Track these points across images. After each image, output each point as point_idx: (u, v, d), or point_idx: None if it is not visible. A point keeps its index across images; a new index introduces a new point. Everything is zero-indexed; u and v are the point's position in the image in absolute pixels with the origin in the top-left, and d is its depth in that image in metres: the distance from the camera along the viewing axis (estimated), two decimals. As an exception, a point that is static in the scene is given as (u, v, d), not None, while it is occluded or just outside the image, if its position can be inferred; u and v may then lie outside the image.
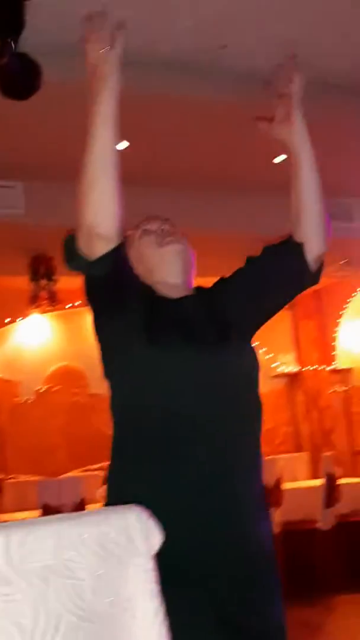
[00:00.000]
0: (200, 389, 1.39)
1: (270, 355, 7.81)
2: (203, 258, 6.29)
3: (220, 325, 1.48)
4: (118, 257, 1.40)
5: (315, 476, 6.71)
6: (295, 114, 1.57)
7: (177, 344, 1.41)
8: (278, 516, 5.27)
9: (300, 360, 7.99)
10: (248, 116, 4.01)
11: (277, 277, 1.59)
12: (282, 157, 4.48)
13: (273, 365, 7.83)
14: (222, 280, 1.66)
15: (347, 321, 7.82)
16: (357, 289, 7.56)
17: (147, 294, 1.50)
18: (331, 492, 5.34)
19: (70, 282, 6.95)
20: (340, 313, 7.84)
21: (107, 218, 1.35)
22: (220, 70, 3.69)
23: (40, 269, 5.59)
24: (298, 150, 1.57)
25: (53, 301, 5.71)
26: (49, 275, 5.60)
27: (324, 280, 7.69)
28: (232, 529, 1.36)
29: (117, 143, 1.41)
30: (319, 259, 1.59)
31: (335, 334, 7.92)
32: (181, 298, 1.52)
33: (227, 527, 1.36)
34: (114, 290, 1.44)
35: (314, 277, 1.61)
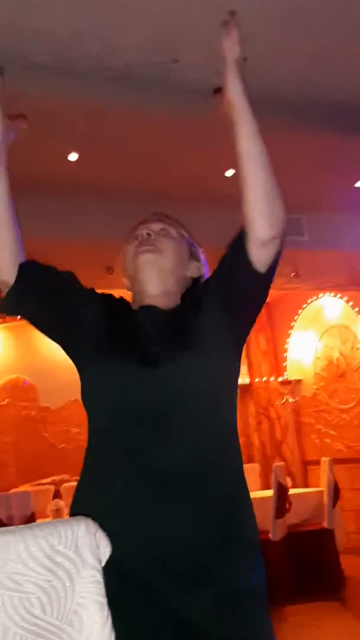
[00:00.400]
0: (121, 408, 1.36)
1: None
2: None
3: (169, 340, 1.37)
4: (25, 288, 1.41)
5: (266, 487, 6.76)
6: (229, 77, 1.36)
7: (104, 362, 1.38)
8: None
9: (251, 372, 8.07)
10: (199, 130, 4.07)
11: (227, 281, 1.41)
12: (232, 171, 4.55)
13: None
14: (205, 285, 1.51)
15: (297, 333, 7.94)
16: (307, 301, 7.70)
17: (102, 306, 1.48)
18: (282, 502, 5.39)
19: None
20: (291, 325, 7.95)
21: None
22: (171, 84, 3.73)
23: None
24: (235, 117, 1.35)
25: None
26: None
27: (274, 293, 7.88)
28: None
29: (6, 192, 1.40)
30: (267, 245, 1.34)
31: (286, 346, 8.04)
32: (141, 309, 1.46)
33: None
34: (43, 314, 1.46)
35: (260, 273, 1.37)
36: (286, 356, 8.04)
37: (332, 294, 7.36)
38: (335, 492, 5.76)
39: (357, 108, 4.16)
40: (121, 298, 1.54)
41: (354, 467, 7.08)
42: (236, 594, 1.28)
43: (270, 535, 5.29)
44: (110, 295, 1.54)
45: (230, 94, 1.36)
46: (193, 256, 1.57)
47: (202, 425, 1.33)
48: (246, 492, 1.39)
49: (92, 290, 1.52)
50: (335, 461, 6.11)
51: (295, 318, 7.90)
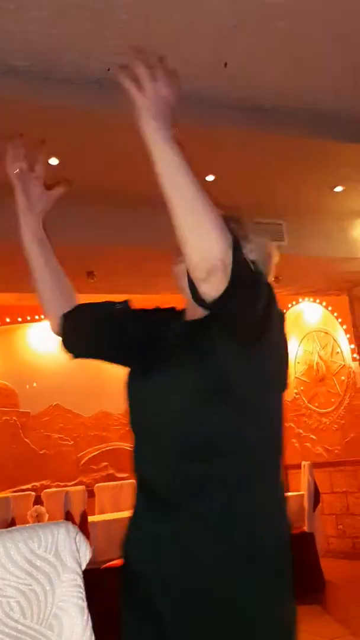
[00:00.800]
0: (133, 413, 1.44)
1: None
2: (133, 278, 6.30)
3: (166, 352, 1.40)
4: (70, 339, 1.58)
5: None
6: (140, 120, 1.33)
7: (131, 370, 1.48)
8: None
9: (232, 377, 8.08)
10: (180, 134, 4.10)
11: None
12: (211, 176, 4.57)
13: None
14: None
15: (278, 338, 7.98)
16: (287, 306, 7.74)
17: (139, 324, 1.58)
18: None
19: (2, 299, 6.84)
20: (271, 330, 7.99)
21: (50, 320, 1.58)
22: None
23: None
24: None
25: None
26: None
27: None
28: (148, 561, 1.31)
29: (46, 259, 1.59)
30: (206, 281, 1.20)
31: (266, 350, 8.07)
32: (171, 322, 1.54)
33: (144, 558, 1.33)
34: (95, 354, 1.62)
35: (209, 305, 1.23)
36: (267, 361, 8.07)
37: (312, 299, 7.41)
38: (316, 496, 5.79)
39: (335, 115, 4.21)
40: (171, 309, 1.63)
41: (334, 471, 7.13)
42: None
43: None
44: (152, 310, 1.64)
45: (144, 135, 1.30)
46: None
47: (178, 439, 1.31)
48: (243, 500, 1.29)
49: (132, 310, 1.62)
50: (315, 465, 6.15)
51: (276, 323, 7.94)
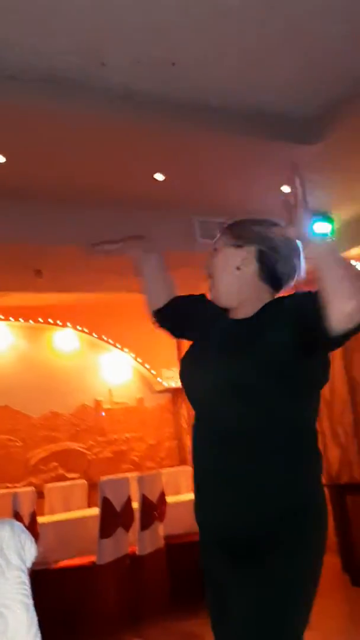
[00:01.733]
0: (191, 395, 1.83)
1: (154, 372, 7.89)
2: (81, 276, 6.26)
3: (224, 345, 1.74)
4: (168, 315, 2.08)
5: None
6: (307, 252, 1.73)
7: (186, 358, 1.89)
8: (162, 530, 5.31)
9: (183, 375, 8.10)
10: (126, 133, 4.09)
11: (304, 326, 1.63)
12: (161, 175, 4.59)
13: (158, 380, 7.91)
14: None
15: (228, 336, 8.03)
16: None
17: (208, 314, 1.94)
18: (213, 503, 5.43)
19: None
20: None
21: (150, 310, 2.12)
22: (96, 88, 3.73)
23: None
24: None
25: None
26: None
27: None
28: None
29: (163, 277, 2.15)
30: (340, 327, 1.52)
31: (217, 349, 8.12)
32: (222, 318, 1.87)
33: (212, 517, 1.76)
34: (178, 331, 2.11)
35: (329, 338, 1.55)
36: (217, 359, 8.12)
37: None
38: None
39: (285, 115, 4.27)
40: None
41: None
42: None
43: (202, 536, 5.33)
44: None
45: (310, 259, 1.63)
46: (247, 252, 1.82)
47: (234, 410, 1.66)
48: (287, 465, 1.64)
49: (206, 303, 1.95)
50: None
51: (226, 321, 7.99)
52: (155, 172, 4.54)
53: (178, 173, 4.60)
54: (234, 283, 1.80)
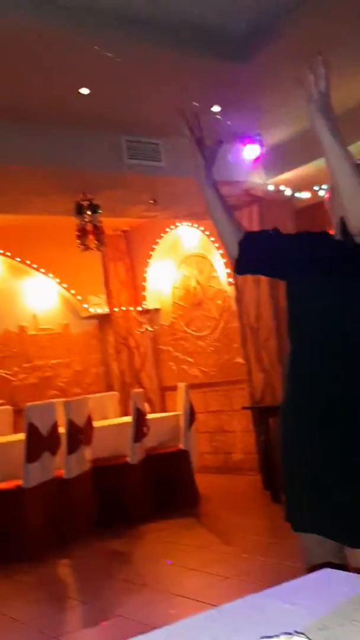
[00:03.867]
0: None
1: (80, 298, 7.78)
2: (3, 197, 5.96)
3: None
4: (244, 260, 2.07)
5: (125, 414, 6.88)
6: (309, 115, 1.76)
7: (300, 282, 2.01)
8: (89, 454, 5.35)
9: (110, 302, 8.05)
10: (53, 44, 3.84)
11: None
12: (86, 89, 4.36)
13: (84, 306, 7.81)
14: None
15: (156, 262, 7.98)
16: (166, 230, 7.72)
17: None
18: (140, 427, 5.51)
19: None
20: (149, 254, 7.97)
21: (229, 248, 2.09)
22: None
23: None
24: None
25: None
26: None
27: (133, 221, 7.74)
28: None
29: (222, 202, 2.12)
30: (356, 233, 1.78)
31: (145, 275, 8.07)
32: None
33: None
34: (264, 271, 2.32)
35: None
36: (145, 285, 8.08)
37: (190, 223, 7.42)
38: (191, 416, 5.98)
39: (216, 32, 4.10)
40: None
41: (209, 391, 7.37)
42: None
43: (128, 458, 5.42)
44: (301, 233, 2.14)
45: (312, 127, 1.76)
46: None
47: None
48: None
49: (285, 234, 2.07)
50: (191, 386, 6.31)
51: (154, 247, 7.92)
52: (80, 87, 4.31)
53: (104, 88, 4.38)
54: None
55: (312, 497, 1.85)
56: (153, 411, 7.32)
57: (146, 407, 6.08)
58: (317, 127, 1.74)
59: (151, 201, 5.88)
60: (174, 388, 6.84)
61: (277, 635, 0.59)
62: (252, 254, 2.05)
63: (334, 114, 1.75)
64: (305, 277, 1.95)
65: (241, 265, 2.08)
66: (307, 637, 0.59)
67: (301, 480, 1.90)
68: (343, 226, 1.85)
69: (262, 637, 0.60)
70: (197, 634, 0.83)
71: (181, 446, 5.86)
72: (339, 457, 1.82)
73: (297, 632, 0.60)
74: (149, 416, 5.98)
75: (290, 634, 0.59)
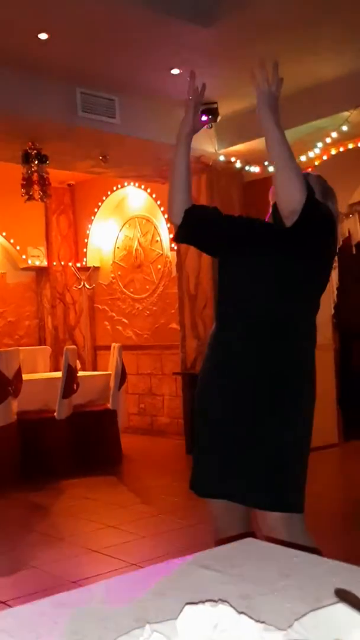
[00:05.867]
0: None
1: (19, 248, 7.63)
2: None
3: None
4: (187, 228, 2.21)
5: (56, 369, 6.86)
6: (257, 107, 2.01)
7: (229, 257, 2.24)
8: (15, 406, 5.33)
9: (50, 255, 7.93)
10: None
11: None
12: (45, 35, 4.22)
13: (22, 257, 7.67)
14: None
15: (99, 220, 7.89)
16: (112, 189, 7.62)
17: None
18: (69, 384, 5.51)
19: None
20: (94, 211, 7.87)
21: (174, 213, 2.23)
22: None
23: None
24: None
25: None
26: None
27: (79, 175, 7.62)
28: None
29: (187, 168, 2.23)
30: (287, 217, 1.95)
31: (87, 231, 7.97)
32: None
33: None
34: (201, 244, 2.39)
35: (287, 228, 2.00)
36: (86, 242, 7.99)
37: (137, 184, 7.36)
38: (122, 376, 6.01)
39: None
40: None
41: (142, 354, 7.42)
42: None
43: (55, 414, 5.42)
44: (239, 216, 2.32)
45: (257, 113, 2.00)
46: None
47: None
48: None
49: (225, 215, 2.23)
50: (124, 347, 6.34)
51: (99, 205, 7.82)
52: (40, 32, 4.17)
53: (63, 34, 4.25)
54: None
55: (221, 463, 2.02)
56: (84, 369, 7.33)
57: (77, 364, 6.07)
58: (262, 116, 1.98)
59: (101, 157, 5.79)
60: (107, 348, 6.85)
61: (202, 602, 0.63)
62: (193, 226, 2.17)
63: (279, 108, 2.00)
64: (235, 257, 2.12)
65: (181, 234, 2.21)
66: (230, 605, 0.63)
67: (212, 447, 2.07)
68: (275, 212, 2.02)
69: (188, 603, 0.64)
70: (121, 596, 0.87)
71: (109, 406, 5.90)
72: (247, 427, 2.01)
73: (221, 599, 0.64)
74: (80, 374, 5.99)
75: (215, 601, 0.63)
